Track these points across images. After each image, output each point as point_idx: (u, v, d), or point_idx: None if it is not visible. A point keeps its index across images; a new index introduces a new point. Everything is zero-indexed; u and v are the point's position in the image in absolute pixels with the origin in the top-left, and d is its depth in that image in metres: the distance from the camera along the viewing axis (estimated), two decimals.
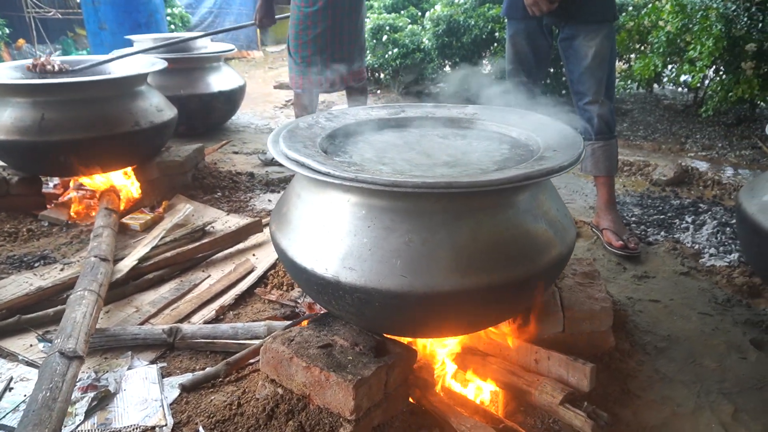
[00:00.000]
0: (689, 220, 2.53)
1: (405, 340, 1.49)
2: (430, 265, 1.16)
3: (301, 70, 3.09)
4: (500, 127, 1.65)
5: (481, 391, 1.51)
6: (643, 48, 4.01)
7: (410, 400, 1.42)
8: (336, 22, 3.00)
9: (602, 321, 1.54)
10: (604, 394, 1.45)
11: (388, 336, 1.39)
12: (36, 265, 2.20)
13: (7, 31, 5.54)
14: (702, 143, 3.79)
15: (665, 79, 4.24)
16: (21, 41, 7.34)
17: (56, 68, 2.86)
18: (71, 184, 2.92)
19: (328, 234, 1.25)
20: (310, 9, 2.95)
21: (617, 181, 3.16)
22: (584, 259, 1.80)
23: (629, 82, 4.13)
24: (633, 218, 2.59)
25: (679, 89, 4.92)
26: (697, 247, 2.29)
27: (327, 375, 1.20)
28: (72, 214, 2.67)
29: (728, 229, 2.40)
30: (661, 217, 2.59)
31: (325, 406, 1.22)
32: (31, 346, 1.66)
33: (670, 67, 3.82)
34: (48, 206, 2.73)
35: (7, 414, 1.38)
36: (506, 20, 2.39)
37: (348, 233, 1.22)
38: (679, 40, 3.39)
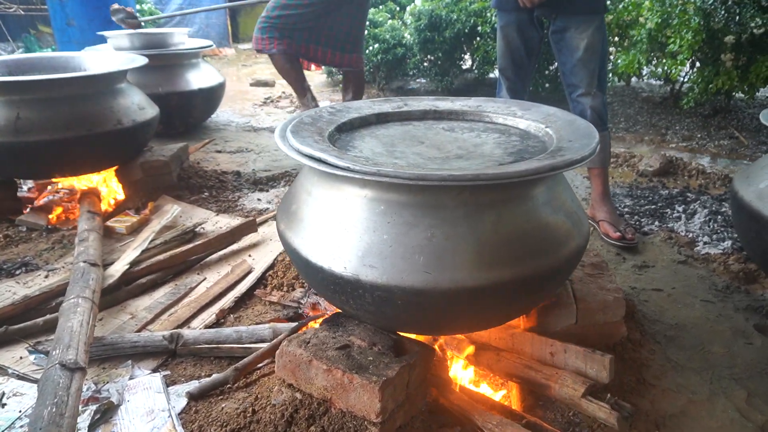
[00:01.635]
0: (680, 209, 2.57)
1: (420, 337, 1.46)
2: (454, 260, 1.13)
3: (278, 33, 3.03)
4: (506, 119, 1.63)
5: (497, 387, 1.49)
6: (623, 42, 4.06)
7: (427, 399, 1.39)
8: (331, 4, 2.96)
9: (615, 311, 1.53)
10: (620, 385, 1.45)
11: (404, 335, 1.35)
12: (17, 272, 2.09)
13: None
14: (682, 134, 3.87)
15: (646, 73, 4.31)
16: None
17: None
18: (48, 187, 2.79)
19: (345, 231, 1.20)
20: None
21: None
22: (590, 250, 1.79)
23: (610, 75, 4.18)
24: (625, 209, 2.62)
25: (656, 82, 5.02)
26: (691, 235, 2.32)
27: (350, 377, 1.15)
28: (52, 218, 2.54)
29: (719, 217, 2.45)
30: (653, 207, 2.62)
31: (349, 409, 1.17)
32: (21, 358, 1.56)
33: (652, 61, 3.89)
34: (24, 211, 2.60)
35: (3, 431, 1.29)
36: (497, 11, 2.38)
37: (366, 230, 1.18)
38: (660, 36, 3.44)
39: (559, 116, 1.52)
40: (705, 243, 2.25)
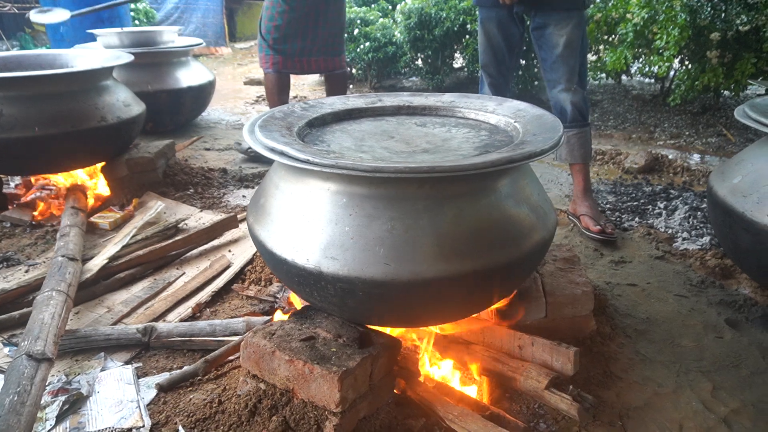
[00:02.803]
0: (661, 206, 2.58)
1: (390, 331, 1.47)
2: (414, 252, 1.15)
3: (271, 50, 3.04)
4: (478, 114, 1.64)
5: (465, 379, 1.50)
6: (612, 39, 4.07)
7: (395, 391, 1.40)
8: (313, 8, 2.97)
9: (584, 305, 1.54)
10: (587, 377, 1.46)
11: (372, 327, 1.37)
12: None
13: None
14: (670, 132, 3.88)
15: (634, 70, 4.31)
16: None
17: None
18: (34, 184, 2.80)
19: (308, 224, 1.21)
20: None
21: (591, 170, 3.20)
22: (564, 245, 1.81)
23: (599, 73, 4.20)
24: (608, 205, 2.63)
25: (646, 80, 5.02)
26: (670, 231, 2.33)
27: (311, 368, 1.17)
28: (36, 214, 2.56)
29: (699, 213, 2.46)
30: (635, 203, 2.63)
31: (310, 399, 1.19)
32: None
33: (640, 58, 3.89)
34: (9, 207, 2.61)
35: None
36: (478, 7, 2.39)
37: (329, 222, 1.19)
38: (646, 32, 3.45)
39: (529, 111, 1.53)
40: (684, 239, 2.27)
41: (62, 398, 1.35)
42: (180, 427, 1.26)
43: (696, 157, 3.45)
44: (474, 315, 1.53)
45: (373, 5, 5.59)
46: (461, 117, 1.67)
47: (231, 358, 1.52)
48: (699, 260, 2.08)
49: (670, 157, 3.29)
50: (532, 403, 1.39)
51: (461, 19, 4.27)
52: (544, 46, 2.25)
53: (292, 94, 4.59)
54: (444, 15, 4.27)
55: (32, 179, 2.81)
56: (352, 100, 1.75)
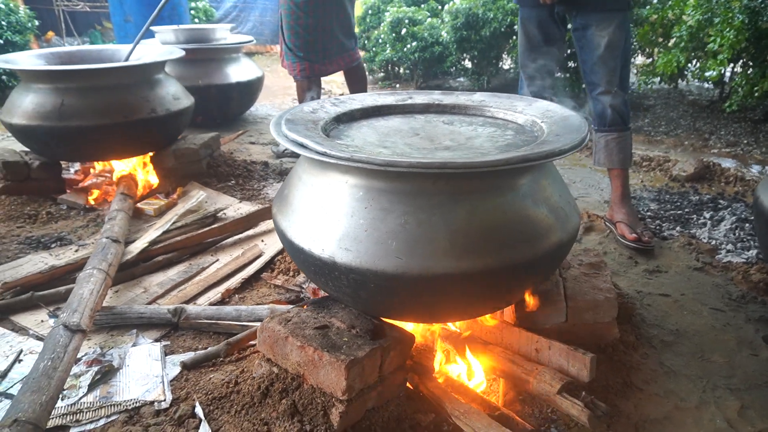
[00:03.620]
0: (707, 215, 2.46)
1: (407, 325, 1.49)
2: (425, 247, 1.16)
3: (297, 57, 3.12)
4: (507, 114, 1.63)
5: (481, 379, 1.50)
6: (666, 42, 3.90)
7: (409, 385, 1.42)
8: (327, 10, 3.03)
9: (606, 312, 1.51)
10: (605, 385, 1.42)
11: (387, 320, 1.38)
12: (53, 246, 2.26)
13: (37, 23, 5.70)
14: (726, 140, 3.68)
15: (689, 75, 4.12)
16: (50, 33, 7.53)
17: None
18: (92, 171, 2.99)
19: (326, 215, 1.25)
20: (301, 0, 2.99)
21: (635, 177, 3.10)
22: (592, 250, 1.76)
23: (651, 77, 4.04)
24: (649, 213, 2.54)
25: (705, 84, 4.79)
26: (713, 242, 2.23)
27: (320, 354, 1.20)
28: (90, 199, 2.73)
29: (748, 225, 2.33)
30: (678, 212, 2.53)
31: (318, 385, 1.22)
32: (42, 321, 1.71)
33: (694, 62, 3.72)
34: (68, 191, 2.80)
35: (15, 384, 1.42)
36: (519, 7, 2.36)
37: (345, 214, 1.22)
38: (701, 35, 3.29)
39: (557, 112, 1.50)
40: (728, 251, 2.16)
41: (95, 369, 1.45)
42: (197, 404, 1.33)
43: (755, 167, 3.26)
44: (490, 314, 1.53)
45: (422, 5, 5.60)
46: (489, 116, 1.66)
47: (252, 342, 1.58)
48: (742, 274, 1.97)
49: (723, 165, 3.13)
50: (546, 407, 1.37)
51: (509, 19, 4.22)
52: (585, 48, 2.20)
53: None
54: (492, 15, 4.22)
55: (92, 167, 3.00)
56: (383, 97, 1.77)
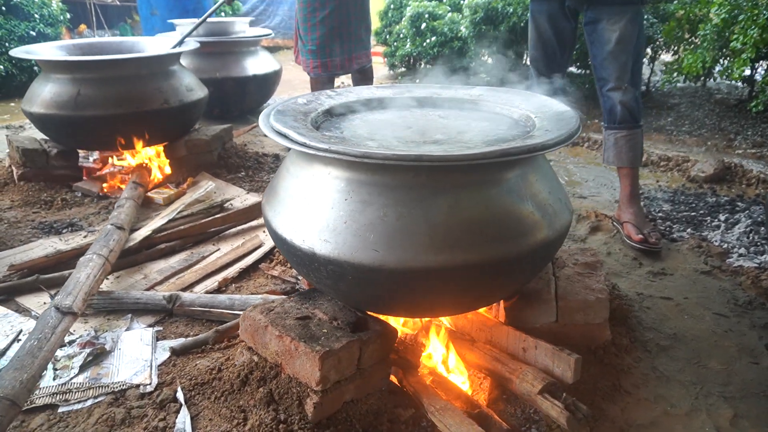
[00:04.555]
0: (722, 218, 2.37)
1: (395, 319, 1.49)
2: (403, 241, 1.15)
3: (313, 53, 3.11)
4: (503, 108, 1.60)
5: (466, 376, 1.48)
6: (693, 39, 3.77)
7: (393, 379, 1.41)
8: (342, 3, 3.02)
9: (597, 312, 1.47)
10: (593, 388, 1.39)
11: (372, 314, 1.38)
12: (64, 231, 2.33)
13: (69, 16, 5.87)
14: (753, 140, 3.54)
15: (716, 74, 3.98)
16: (82, 26, 7.75)
17: None
18: (110, 161, 3.06)
19: (308, 206, 1.25)
20: None
21: (651, 177, 3.01)
22: (589, 249, 1.72)
23: (675, 75, 3.91)
24: (660, 214, 2.46)
25: (734, 83, 4.61)
26: (725, 246, 2.15)
27: (296, 345, 1.21)
28: (104, 187, 2.80)
29: (763, 229, 2.24)
30: (692, 214, 2.45)
31: (295, 375, 1.23)
32: (44, 303, 1.76)
33: (722, 60, 3.58)
34: (85, 178, 2.88)
35: None
36: (530, 1, 2.32)
37: (326, 206, 1.22)
38: (727, 33, 3.17)
39: (552, 107, 1.47)
40: (740, 255, 2.08)
41: (87, 350, 1.49)
42: (179, 389, 1.35)
43: None
44: (480, 310, 1.51)
45: (444, 0, 5.55)
46: (485, 110, 1.64)
47: None
48: (752, 279, 1.90)
49: (746, 167, 3.01)
50: (529, 407, 1.35)
51: (528, 14, 4.13)
52: (596, 42, 2.14)
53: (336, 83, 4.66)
54: (511, 10, 4.15)
55: (111, 156, 3.07)
56: (380, 89, 1.76)
